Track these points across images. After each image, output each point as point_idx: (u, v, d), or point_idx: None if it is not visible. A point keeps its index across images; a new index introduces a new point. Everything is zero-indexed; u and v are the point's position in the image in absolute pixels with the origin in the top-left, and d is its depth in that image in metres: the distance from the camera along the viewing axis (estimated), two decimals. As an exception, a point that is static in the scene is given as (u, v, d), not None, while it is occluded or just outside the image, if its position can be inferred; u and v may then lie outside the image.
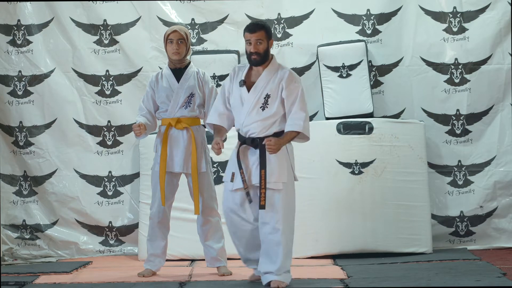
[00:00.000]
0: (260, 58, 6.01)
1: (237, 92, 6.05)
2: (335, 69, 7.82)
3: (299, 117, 5.98)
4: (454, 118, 8.00)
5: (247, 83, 6.04)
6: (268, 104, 5.98)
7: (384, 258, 7.32)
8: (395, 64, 8.05)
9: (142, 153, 7.78)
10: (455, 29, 8.00)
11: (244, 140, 6.02)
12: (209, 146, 6.79)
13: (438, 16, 8.01)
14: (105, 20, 8.09)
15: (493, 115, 7.98)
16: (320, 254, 7.49)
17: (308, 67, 8.07)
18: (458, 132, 8.00)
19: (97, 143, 8.10)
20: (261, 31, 6.03)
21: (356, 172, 7.51)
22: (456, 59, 8.00)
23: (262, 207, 5.92)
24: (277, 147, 5.91)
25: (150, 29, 8.08)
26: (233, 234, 6.18)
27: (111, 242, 8.07)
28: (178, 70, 6.73)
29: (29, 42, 8.08)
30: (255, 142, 5.98)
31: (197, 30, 8.10)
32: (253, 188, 6.00)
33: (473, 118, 8.00)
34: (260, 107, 5.97)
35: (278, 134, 6.00)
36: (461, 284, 5.86)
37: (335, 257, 7.39)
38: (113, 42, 8.09)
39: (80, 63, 8.10)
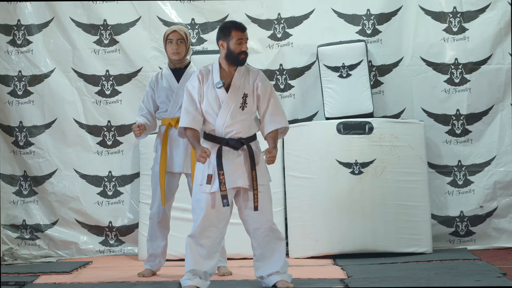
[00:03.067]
0: (246, 58, 5.97)
1: (211, 94, 5.87)
2: (335, 69, 7.82)
3: (279, 113, 5.96)
4: (454, 118, 8.00)
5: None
6: (247, 104, 5.91)
7: (384, 258, 7.32)
8: (395, 64, 8.05)
9: (142, 153, 7.78)
10: (455, 29, 7.99)
11: (226, 142, 5.87)
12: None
13: (438, 16, 8.01)
14: (105, 20, 8.09)
15: (493, 115, 7.98)
16: (320, 254, 7.49)
17: (308, 67, 8.07)
18: (458, 132, 8.00)
19: (97, 143, 8.10)
20: (246, 30, 5.97)
21: (356, 172, 7.51)
22: (456, 59, 8.00)
23: (256, 208, 5.85)
24: (274, 158, 5.86)
25: (150, 29, 8.08)
26: (198, 240, 5.92)
27: (111, 242, 8.07)
28: (178, 70, 6.73)
29: (29, 42, 8.08)
30: (240, 143, 5.89)
31: (197, 30, 8.10)
32: (229, 191, 5.86)
33: (473, 118, 8.00)
34: (240, 107, 5.90)
35: (252, 138, 5.94)
36: (461, 284, 5.86)
37: (335, 257, 7.39)
38: (113, 42, 8.09)
39: (80, 63, 8.10)
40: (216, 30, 8.03)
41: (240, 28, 5.92)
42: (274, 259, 5.99)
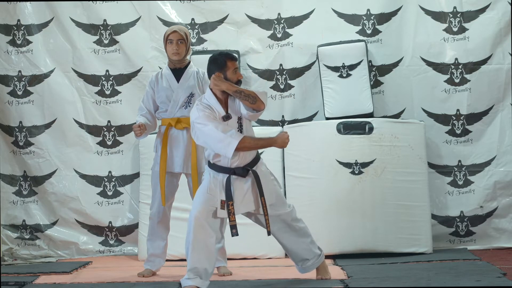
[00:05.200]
0: None
1: (220, 124, 5.85)
2: (335, 69, 7.82)
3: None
4: (454, 118, 8.00)
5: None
6: (242, 127, 5.93)
7: (384, 258, 7.32)
8: (395, 64, 8.05)
9: (142, 153, 7.78)
10: (455, 29, 7.99)
11: (233, 171, 5.87)
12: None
13: (438, 16, 8.01)
14: (105, 20, 8.09)
15: (493, 115, 7.98)
16: (320, 254, 7.49)
17: (308, 67, 8.07)
18: (458, 132, 8.00)
19: (97, 143, 8.10)
20: None
21: (356, 172, 7.51)
22: (456, 59, 7.99)
23: (268, 233, 5.96)
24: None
25: (150, 29, 8.08)
26: (196, 243, 5.88)
27: (111, 242, 8.07)
28: (178, 70, 6.73)
29: (29, 42, 8.08)
30: (246, 171, 5.90)
31: (197, 30, 8.10)
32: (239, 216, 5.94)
33: (473, 118, 7.99)
34: (238, 130, 5.92)
35: (256, 160, 5.97)
36: (461, 284, 5.86)
37: (335, 257, 7.39)
38: (113, 42, 8.09)
39: (80, 63, 8.10)
40: (216, 30, 8.13)
41: (233, 58, 5.96)
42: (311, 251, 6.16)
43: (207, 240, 5.82)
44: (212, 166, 5.92)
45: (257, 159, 5.99)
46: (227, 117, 5.87)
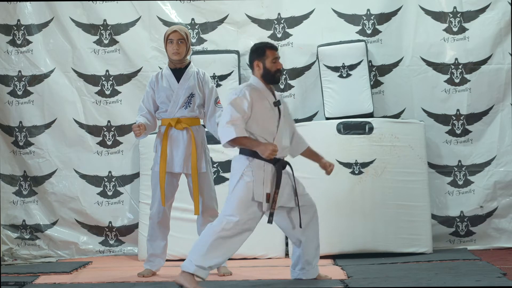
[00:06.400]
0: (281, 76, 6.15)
1: (267, 114, 5.97)
2: (335, 69, 7.82)
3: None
4: (454, 118, 8.00)
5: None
6: (280, 113, 6.07)
7: (384, 258, 7.32)
8: (395, 64, 8.05)
9: (142, 153, 7.78)
10: (455, 29, 7.99)
11: (277, 161, 5.97)
12: (209, 146, 6.82)
13: (438, 16, 8.01)
14: (105, 20, 8.09)
15: (493, 115, 7.98)
16: (320, 254, 7.45)
17: (308, 67, 8.07)
18: (458, 132, 8.00)
19: (97, 143, 8.10)
20: None
21: (356, 172, 7.51)
22: (456, 59, 8.00)
23: (301, 225, 6.11)
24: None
25: (150, 29, 8.08)
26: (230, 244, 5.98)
27: (111, 242, 8.07)
28: (178, 70, 6.72)
29: (29, 42, 8.08)
30: (286, 162, 6.05)
31: (197, 30, 8.10)
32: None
33: (473, 118, 8.00)
34: (278, 118, 6.07)
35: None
36: (461, 284, 5.85)
37: (335, 257, 7.39)
38: (113, 42, 8.09)
39: (80, 63, 8.10)
40: (216, 30, 8.13)
41: (273, 47, 6.10)
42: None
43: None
44: (257, 156, 5.93)
45: None
46: (277, 103, 6.02)
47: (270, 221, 5.97)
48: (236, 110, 5.88)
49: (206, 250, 5.81)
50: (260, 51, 6.04)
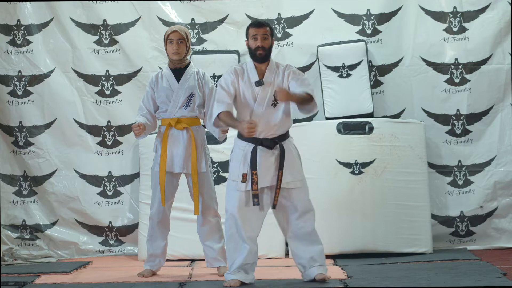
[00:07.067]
0: (265, 54, 6.03)
1: (248, 91, 6.01)
2: (335, 69, 7.82)
3: (310, 89, 6.05)
4: (454, 118, 8.00)
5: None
6: (277, 101, 6.00)
7: (384, 258, 7.32)
8: (395, 64, 8.05)
9: (142, 153, 7.78)
10: (455, 29, 7.99)
11: (261, 142, 5.96)
12: (209, 146, 6.82)
13: (438, 16, 8.01)
14: (105, 20, 8.09)
15: (493, 115, 7.98)
16: (320, 254, 7.48)
17: (308, 67, 8.07)
18: (458, 132, 8.00)
19: (97, 143, 8.10)
20: (266, 27, 6.09)
21: (356, 172, 7.51)
22: (456, 59, 8.00)
23: (274, 206, 5.98)
24: (286, 97, 5.89)
25: (150, 29, 8.08)
26: (231, 237, 6.03)
27: (111, 242, 8.07)
28: (178, 70, 6.72)
29: (29, 42, 8.08)
30: (273, 143, 5.98)
31: (197, 30, 8.10)
32: (262, 190, 5.97)
33: (473, 118, 8.00)
34: (272, 104, 6.00)
35: (285, 136, 6.05)
36: (461, 284, 5.85)
37: (335, 257, 7.39)
38: (113, 42, 8.09)
39: (80, 63, 8.10)
40: (216, 30, 8.13)
41: (255, 24, 6.12)
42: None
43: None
44: (241, 136, 5.97)
45: (287, 135, 6.08)
46: (259, 83, 5.99)
47: (254, 203, 5.90)
48: (221, 88, 6.00)
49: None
50: (246, 31, 6.13)
